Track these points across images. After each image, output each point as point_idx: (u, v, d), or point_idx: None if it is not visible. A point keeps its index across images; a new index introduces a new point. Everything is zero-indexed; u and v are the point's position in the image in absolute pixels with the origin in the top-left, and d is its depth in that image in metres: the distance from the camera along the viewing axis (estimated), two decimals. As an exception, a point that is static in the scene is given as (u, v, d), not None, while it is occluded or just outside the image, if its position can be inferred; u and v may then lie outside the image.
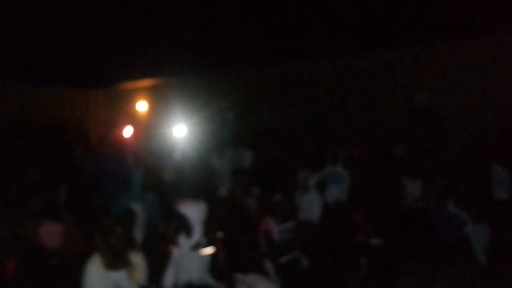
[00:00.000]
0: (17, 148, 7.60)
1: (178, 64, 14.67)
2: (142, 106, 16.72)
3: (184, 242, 3.94)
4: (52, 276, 3.41)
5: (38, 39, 16.17)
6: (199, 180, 6.39)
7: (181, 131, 9.76)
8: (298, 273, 4.57)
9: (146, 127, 12.20)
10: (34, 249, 3.36)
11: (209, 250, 3.97)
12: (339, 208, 5.85)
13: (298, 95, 11.07)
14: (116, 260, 3.38)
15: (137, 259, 3.55)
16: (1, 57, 15.51)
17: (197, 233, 3.96)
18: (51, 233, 4.20)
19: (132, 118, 16.48)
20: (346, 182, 6.44)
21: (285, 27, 11.36)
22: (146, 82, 16.42)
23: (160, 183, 6.73)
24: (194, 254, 3.92)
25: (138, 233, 4.83)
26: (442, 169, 6.37)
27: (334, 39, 9.96)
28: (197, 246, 3.95)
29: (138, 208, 4.80)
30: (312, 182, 6.08)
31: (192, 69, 14.40)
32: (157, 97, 16.15)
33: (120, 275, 3.39)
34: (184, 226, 3.92)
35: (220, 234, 4.17)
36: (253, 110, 12.50)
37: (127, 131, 9.69)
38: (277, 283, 4.52)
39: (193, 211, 3.94)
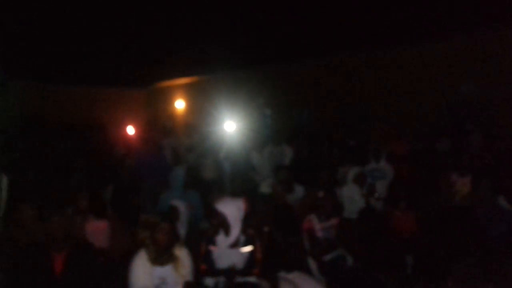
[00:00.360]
0: (61, 147, 7.80)
1: (215, 62, 14.78)
2: (180, 103, 16.93)
3: (222, 240, 3.92)
4: (98, 273, 3.47)
5: (78, 40, 16.64)
6: (239, 177, 6.36)
7: (220, 128, 9.79)
8: (342, 271, 4.49)
9: (185, 124, 12.30)
10: (82, 246, 3.42)
11: (247, 248, 3.93)
12: (383, 204, 5.69)
13: (337, 91, 10.90)
14: (162, 256, 3.45)
15: (182, 255, 3.58)
16: (42, 59, 16.08)
17: (236, 231, 3.93)
18: (97, 231, 4.29)
19: (171, 116, 16.73)
20: (390, 177, 6.28)
21: (322, 20, 11.23)
22: (184, 80, 16.63)
23: (201, 181, 6.75)
24: (233, 252, 3.89)
25: (182, 230, 4.85)
26: (491, 163, 6.11)
27: (373, 31, 9.75)
28: (236, 244, 3.92)
29: (181, 205, 4.81)
30: (350, 176, 5.96)
31: (229, 65, 14.47)
32: (195, 94, 16.32)
33: (165, 270, 3.45)
34: (222, 224, 3.90)
35: (260, 231, 4.15)
36: (291, 106, 12.42)
37: (166, 129, 9.81)
38: (320, 281, 4.47)
39: (231, 209, 3.90)
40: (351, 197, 5.79)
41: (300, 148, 7.22)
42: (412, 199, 5.22)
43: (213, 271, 3.79)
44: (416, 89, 8.95)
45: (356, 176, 5.87)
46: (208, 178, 7.40)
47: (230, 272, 3.75)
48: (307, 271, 4.55)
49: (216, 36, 15.15)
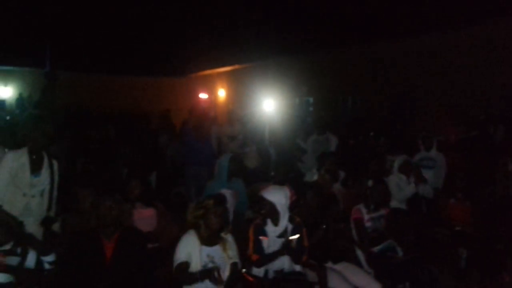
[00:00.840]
0: (105, 135, 7.95)
1: (256, 49, 14.70)
2: (222, 91, 16.99)
3: (271, 229, 3.87)
4: (148, 259, 3.51)
5: (125, 31, 16.96)
6: (284, 166, 6.27)
7: (263, 116, 9.72)
8: (392, 263, 4.35)
9: (227, 112, 12.31)
10: (132, 232, 3.45)
11: (295, 237, 3.86)
12: (434, 194, 5.48)
13: (384, 77, 10.56)
14: (211, 237, 3.51)
15: (229, 239, 3.63)
16: (88, 51, 16.50)
17: (284, 220, 3.87)
18: (144, 218, 4.32)
19: (213, 104, 16.84)
20: (440, 167, 6.04)
21: (367, 6, 10.90)
22: (225, 68, 16.66)
23: (245, 169, 6.72)
24: (281, 240, 3.83)
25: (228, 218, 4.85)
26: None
27: (421, 16, 9.38)
28: (284, 234, 3.86)
29: (228, 193, 4.80)
30: (396, 165, 5.77)
31: (271, 53, 14.36)
32: (236, 82, 16.33)
33: (213, 249, 3.51)
34: (271, 213, 3.84)
35: (306, 220, 4.07)
36: (335, 93, 12.19)
37: (210, 117, 9.83)
38: (369, 273, 4.35)
39: (280, 197, 3.84)
40: (398, 186, 5.60)
41: (346, 136, 7.05)
42: (468, 189, 4.99)
43: (266, 259, 3.74)
44: (470, 75, 8.54)
45: (402, 165, 5.67)
46: (251, 167, 7.38)
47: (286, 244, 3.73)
48: (355, 262, 4.45)
49: (258, 24, 15.08)
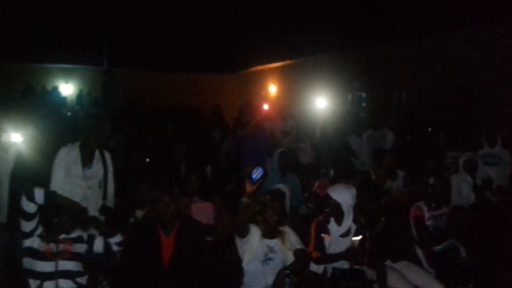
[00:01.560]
0: (164, 131, 8.12)
1: (308, 45, 14.57)
2: (273, 87, 16.96)
3: (334, 228, 3.82)
4: (207, 252, 3.55)
5: (178, 29, 17.31)
6: (339, 162, 6.17)
7: (315, 112, 9.63)
8: (455, 263, 4.19)
9: (279, 108, 12.28)
10: (191, 225, 3.49)
11: (358, 237, 3.79)
12: (499, 192, 5.23)
13: (442, 70, 10.16)
14: (270, 231, 3.54)
15: (289, 232, 3.64)
16: (146, 48, 16.97)
17: (349, 220, 3.81)
18: (202, 212, 4.39)
19: (265, 99, 16.85)
20: (505, 164, 5.75)
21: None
22: (276, 63, 16.61)
23: (298, 164, 6.69)
24: (344, 241, 3.78)
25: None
26: None
27: (481, 6, 8.94)
28: (347, 233, 3.81)
29: (284, 188, 4.79)
30: (460, 162, 5.54)
31: (322, 48, 14.20)
32: (288, 78, 16.24)
33: (274, 242, 3.54)
34: (336, 212, 3.79)
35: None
36: (390, 88, 11.88)
37: (263, 112, 9.81)
38: (430, 273, 4.22)
39: (346, 197, 3.77)
40: (460, 184, 5.39)
41: (403, 132, 6.84)
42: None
43: (327, 258, 3.71)
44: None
45: (466, 162, 5.45)
46: (305, 162, 7.33)
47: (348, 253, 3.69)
48: (414, 261, 4.32)
49: (309, 19, 14.93)
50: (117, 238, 3.44)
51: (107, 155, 4.27)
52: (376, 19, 12.44)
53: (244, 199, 3.27)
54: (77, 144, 4.15)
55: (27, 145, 4.07)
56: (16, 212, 3.84)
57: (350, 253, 3.66)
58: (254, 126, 6.25)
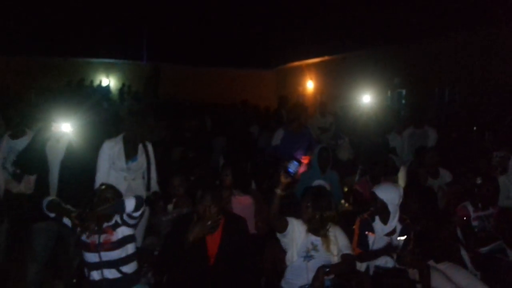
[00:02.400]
0: (203, 125, 8.20)
1: (347, 41, 14.39)
2: (311, 83, 16.86)
3: (379, 227, 3.76)
4: (252, 247, 3.56)
5: (216, 23, 17.44)
6: (380, 160, 6.06)
7: (353, 108, 9.52)
8: (502, 266, 4.05)
9: (317, 104, 12.20)
10: (237, 222, 3.49)
11: (403, 237, 3.73)
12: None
13: (487, 67, 9.83)
14: (316, 228, 3.47)
15: (337, 231, 3.55)
16: (185, 43, 17.19)
17: (395, 219, 3.75)
18: (242, 206, 4.40)
19: (303, 95, 16.78)
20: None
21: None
22: (314, 59, 16.49)
23: (336, 161, 6.62)
24: (387, 240, 3.72)
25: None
26: None
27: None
28: (393, 233, 3.75)
29: (326, 185, 4.76)
30: (510, 163, 5.33)
31: (360, 44, 13.99)
32: (326, 74, 16.10)
33: (319, 240, 3.46)
34: (382, 211, 3.73)
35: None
36: (432, 84, 11.59)
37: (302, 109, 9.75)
38: (475, 274, 4.09)
39: (393, 196, 3.70)
40: (508, 186, 5.18)
41: (448, 130, 6.65)
42: None
43: (371, 255, 3.66)
44: None
45: None
46: (344, 159, 7.25)
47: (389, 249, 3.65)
48: (459, 262, 4.20)
49: (348, 14, 14.75)
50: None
51: (150, 147, 4.35)
52: (418, 15, 12.16)
53: (277, 190, 3.24)
54: (121, 137, 4.24)
55: (76, 136, 4.17)
56: (65, 199, 4.02)
57: (390, 248, 3.60)
58: (298, 124, 6.21)
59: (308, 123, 8.91)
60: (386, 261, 3.70)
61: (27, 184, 4.38)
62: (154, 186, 4.36)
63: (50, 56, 15.53)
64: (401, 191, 3.78)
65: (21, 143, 4.29)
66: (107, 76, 16.93)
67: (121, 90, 15.56)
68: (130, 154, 4.21)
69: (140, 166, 4.26)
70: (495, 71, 9.60)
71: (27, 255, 4.12)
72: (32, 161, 3.98)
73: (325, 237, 3.45)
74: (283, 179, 3.18)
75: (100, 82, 16.34)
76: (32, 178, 4.26)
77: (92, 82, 16.00)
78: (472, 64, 10.24)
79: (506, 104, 8.41)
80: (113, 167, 4.14)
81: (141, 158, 4.25)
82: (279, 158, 6.01)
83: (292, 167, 3.17)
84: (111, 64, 17.11)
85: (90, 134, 4.37)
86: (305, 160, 5.33)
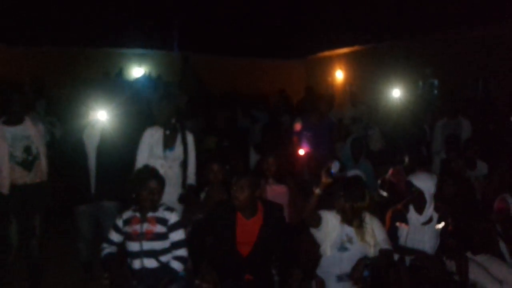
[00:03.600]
0: (235, 115, 8.25)
1: (378, 30, 14.17)
2: (340, 73, 16.69)
3: (414, 217, 3.75)
4: (289, 232, 3.61)
5: (245, 13, 17.40)
6: (413, 150, 6.01)
7: (386, 99, 9.41)
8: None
9: (348, 94, 12.10)
10: (275, 210, 3.51)
11: (441, 225, 3.70)
12: None
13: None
14: (349, 218, 3.47)
15: (373, 222, 3.54)
16: (215, 33, 17.24)
17: (430, 209, 3.72)
18: (277, 195, 4.43)
19: (331, 86, 16.65)
20: None
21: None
22: (344, 49, 16.30)
23: (369, 151, 6.59)
24: (425, 228, 3.70)
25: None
26: None
27: None
28: (429, 222, 3.73)
29: (359, 173, 4.75)
30: None
31: (392, 33, 13.75)
32: (356, 65, 15.90)
33: (352, 230, 3.47)
34: (418, 200, 3.71)
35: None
36: (465, 75, 11.33)
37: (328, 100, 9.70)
38: (513, 267, 4.04)
39: (429, 185, 3.68)
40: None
41: (484, 121, 6.51)
42: None
43: (399, 250, 3.65)
44: None
45: None
46: (375, 149, 7.20)
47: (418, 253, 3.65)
48: (498, 255, 4.15)
49: (378, 4, 14.49)
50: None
51: (190, 138, 4.43)
52: (451, 4, 11.86)
53: (317, 190, 3.25)
54: (161, 125, 4.34)
55: (111, 123, 4.31)
56: (101, 184, 4.17)
57: (421, 256, 3.60)
58: (318, 114, 6.08)
59: (336, 113, 8.87)
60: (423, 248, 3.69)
61: (37, 172, 4.20)
62: (192, 178, 4.42)
63: (83, 46, 15.79)
64: (436, 180, 3.76)
65: (22, 129, 4.15)
66: (140, 66, 17.11)
67: (147, 79, 15.59)
68: (168, 142, 4.30)
69: (177, 156, 4.34)
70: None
71: (76, 236, 4.39)
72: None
73: (359, 228, 3.45)
74: (325, 179, 3.20)
75: (142, 74, 16.49)
76: (44, 165, 4.23)
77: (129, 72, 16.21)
78: (507, 55, 9.96)
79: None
80: (151, 154, 4.25)
81: (179, 148, 4.34)
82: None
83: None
84: (143, 54, 17.28)
85: (125, 122, 4.52)
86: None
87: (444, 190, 4.05)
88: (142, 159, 4.26)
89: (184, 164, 4.40)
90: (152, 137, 4.30)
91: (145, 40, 16.52)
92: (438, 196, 3.90)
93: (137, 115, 6.69)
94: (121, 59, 16.88)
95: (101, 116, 4.22)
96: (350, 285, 3.33)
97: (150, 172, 3.49)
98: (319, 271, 3.55)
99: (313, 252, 3.60)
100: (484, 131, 6.39)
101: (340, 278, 3.39)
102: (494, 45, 10.43)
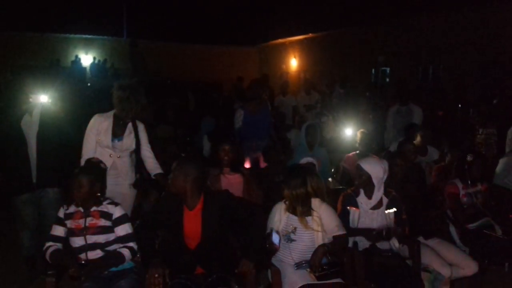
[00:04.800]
0: (187, 103, 8.06)
1: (331, 18, 14.25)
2: (294, 60, 16.73)
3: (364, 201, 3.74)
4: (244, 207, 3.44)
5: (197, 1, 17.06)
6: (364, 136, 6.03)
7: (338, 87, 9.47)
8: (490, 241, 4.08)
9: (301, 82, 12.12)
10: (214, 195, 3.34)
11: (391, 210, 3.71)
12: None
13: (470, 44, 9.85)
14: (295, 205, 3.45)
15: (322, 209, 3.50)
16: (165, 19, 16.81)
17: (379, 192, 3.72)
18: (231, 184, 4.32)
19: (286, 73, 16.66)
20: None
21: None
22: (297, 37, 16.33)
23: (322, 138, 6.59)
24: (374, 213, 3.71)
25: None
26: None
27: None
28: (379, 206, 3.73)
29: (312, 160, 4.71)
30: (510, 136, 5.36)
31: (345, 21, 13.87)
32: (309, 52, 15.98)
33: (296, 219, 3.45)
34: (366, 184, 3.70)
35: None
36: (415, 62, 11.60)
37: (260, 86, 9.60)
38: (464, 250, 4.13)
39: (378, 170, 3.67)
40: (510, 166, 5.18)
41: (433, 107, 6.66)
42: None
43: (349, 231, 3.63)
44: None
45: None
46: (327, 136, 7.24)
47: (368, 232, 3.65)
48: (448, 238, 4.24)
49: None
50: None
51: (141, 127, 4.21)
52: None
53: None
54: (112, 113, 4.10)
55: (50, 108, 4.12)
56: (42, 171, 3.98)
57: (368, 233, 3.63)
58: (257, 103, 5.97)
59: (290, 101, 8.84)
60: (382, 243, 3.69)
61: None
62: (155, 167, 4.22)
63: (28, 31, 15.04)
64: (386, 165, 3.76)
65: None
66: (86, 53, 16.50)
67: (102, 67, 15.11)
68: (117, 132, 4.07)
69: (127, 146, 4.12)
70: (479, 49, 9.63)
71: (19, 225, 4.19)
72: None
73: (303, 216, 3.43)
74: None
75: (76, 59, 15.87)
76: None
77: (78, 58, 15.56)
78: (456, 42, 10.25)
79: (491, 82, 8.48)
80: (99, 142, 4.02)
81: (128, 138, 4.11)
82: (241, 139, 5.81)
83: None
84: (90, 40, 16.67)
85: (67, 107, 4.28)
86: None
87: (392, 171, 4.04)
88: (89, 146, 4.03)
89: (136, 155, 4.18)
90: (101, 125, 4.04)
91: (92, 25, 15.90)
92: (389, 182, 3.91)
93: (82, 101, 6.40)
94: (67, 45, 16.21)
95: (41, 100, 3.98)
96: (307, 272, 3.29)
97: (84, 167, 3.33)
98: (275, 260, 3.49)
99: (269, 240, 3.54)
100: (433, 117, 6.51)
101: (298, 265, 3.34)
102: (444, 33, 10.71)
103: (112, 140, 4.05)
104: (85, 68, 14.81)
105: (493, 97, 7.09)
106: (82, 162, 3.90)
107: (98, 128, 4.03)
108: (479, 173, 4.27)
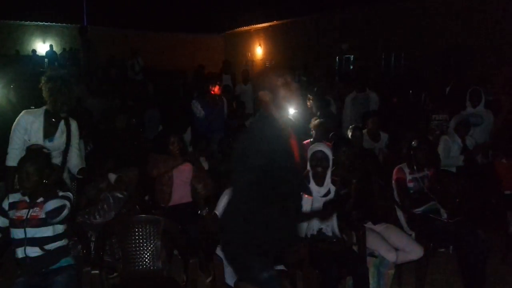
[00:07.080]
0: (144, 92, 7.91)
1: (296, 5, 14.20)
2: (259, 48, 16.64)
3: (315, 188, 3.74)
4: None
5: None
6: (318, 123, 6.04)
7: (301, 75, 9.47)
8: (435, 225, 4.15)
9: (262, 70, 12.07)
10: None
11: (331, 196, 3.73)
12: (482, 154, 5.17)
13: (430, 33, 9.97)
14: None
15: None
16: (127, 6, 16.42)
17: (329, 179, 3.73)
18: (181, 172, 4.32)
19: (251, 61, 16.56)
20: (488, 124, 5.68)
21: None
22: (262, 25, 16.23)
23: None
24: (324, 201, 3.70)
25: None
26: None
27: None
28: (328, 194, 3.73)
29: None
30: (452, 124, 5.45)
31: (309, 8, 13.84)
32: (275, 39, 15.90)
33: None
34: (323, 172, 3.69)
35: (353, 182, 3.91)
36: (377, 50, 11.69)
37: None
38: (410, 234, 4.19)
39: (330, 157, 3.67)
40: (449, 145, 5.30)
41: (388, 94, 6.72)
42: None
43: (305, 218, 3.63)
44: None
45: (459, 123, 5.34)
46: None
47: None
48: (395, 223, 4.29)
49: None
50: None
51: (74, 126, 3.90)
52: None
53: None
54: (42, 111, 3.72)
55: None
56: None
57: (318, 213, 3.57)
58: (211, 96, 5.93)
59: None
60: (326, 228, 3.69)
61: None
62: (78, 164, 3.99)
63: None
64: (330, 150, 3.76)
65: None
66: (44, 42, 15.97)
67: (50, 53, 14.46)
68: (48, 132, 3.74)
69: (58, 146, 3.81)
70: (439, 37, 9.76)
71: None
72: None
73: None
74: None
75: (33, 51, 15.30)
76: None
77: (34, 50, 15.03)
78: (419, 28, 10.36)
79: (446, 69, 8.61)
80: (28, 143, 3.63)
81: (60, 138, 3.80)
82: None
83: None
84: (47, 27, 16.13)
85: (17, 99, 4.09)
86: None
87: (339, 159, 4.05)
88: (16, 147, 3.67)
89: (64, 154, 3.87)
90: (31, 125, 3.66)
91: (50, 12, 15.38)
92: (336, 170, 3.92)
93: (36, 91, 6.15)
94: (23, 33, 15.67)
95: None
96: None
97: (28, 156, 3.20)
98: (219, 251, 3.44)
99: (213, 232, 3.51)
100: (387, 103, 6.57)
101: None
102: (406, 20, 10.81)
103: (44, 142, 3.69)
104: (42, 57, 14.34)
105: (448, 83, 7.18)
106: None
107: (27, 128, 3.66)
108: (425, 158, 4.32)
